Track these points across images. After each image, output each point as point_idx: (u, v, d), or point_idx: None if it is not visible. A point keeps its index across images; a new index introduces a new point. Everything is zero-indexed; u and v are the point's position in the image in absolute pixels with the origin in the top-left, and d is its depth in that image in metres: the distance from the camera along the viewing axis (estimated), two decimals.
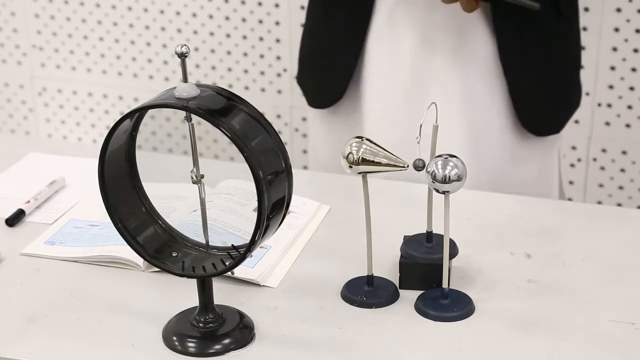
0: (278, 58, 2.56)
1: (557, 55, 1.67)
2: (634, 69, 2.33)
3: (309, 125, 1.85)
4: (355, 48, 1.66)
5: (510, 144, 1.67)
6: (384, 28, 1.63)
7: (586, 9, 2.31)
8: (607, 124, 2.39)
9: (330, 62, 1.71)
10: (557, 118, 1.71)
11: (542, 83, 1.66)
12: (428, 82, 1.64)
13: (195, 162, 1.12)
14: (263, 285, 1.27)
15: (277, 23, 2.53)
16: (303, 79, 1.80)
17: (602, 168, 2.43)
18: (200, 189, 1.14)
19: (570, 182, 2.47)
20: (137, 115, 1.10)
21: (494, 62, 1.62)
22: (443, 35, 1.61)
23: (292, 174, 1.10)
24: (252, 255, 1.11)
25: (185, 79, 1.06)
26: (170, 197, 1.45)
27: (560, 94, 1.70)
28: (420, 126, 1.16)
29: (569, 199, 2.46)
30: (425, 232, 1.27)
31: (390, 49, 1.64)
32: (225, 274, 1.14)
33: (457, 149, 1.55)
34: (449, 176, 1.13)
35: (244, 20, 2.56)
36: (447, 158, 1.14)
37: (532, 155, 1.70)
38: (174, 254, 1.17)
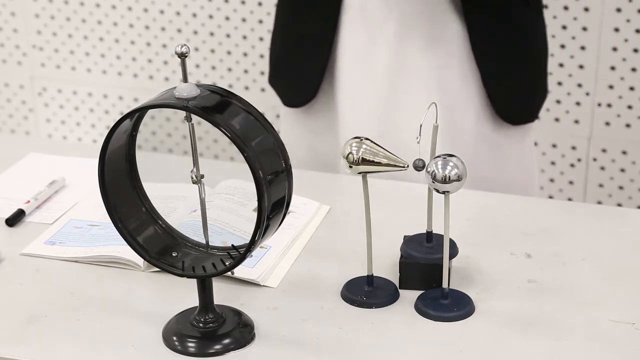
0: None
1: (525, 43, 1.67)
2: (634, 69, 2.33)
3: (280, 125, 1.83)
4: (326, 45, 1.65)
5: (486, 133, 1.68)
6: (355, 23, 1.63)
7: (586, 9, 2.31)
8: (607, 124, 2.39)
9: (302, 62, 1.70)
10: (530, 106, 1.72)
11: (512, 71, 1.67)
12: (402, 76, 1.64)
13: (195, 162, 1.12)
14: (263, 285, 1.27)
15: None
16: (275, 80, 1.79)
17: (602, 168, 2.43)
18: (200, 189, 1.14)
19: (570, 182, 2.46)
20: (137, 115, 1.10)
21: (468, 52, 1.63)
22: (416, 27, 1.61)
23: (292, 174, 1.10)
24: (252, 255, 1.11)
25: (185, 79, 1.06)
26: (170, 197, 1.45)
27: (530, 82, 1.71)
28: (420, 126, 1.16)
29: (569, 199, 2.46)
30: (425, 232, 1.27)
31: (363, 44, 1.64)
32: (225, 274, 1.14)
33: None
34: (449, 176, 1.13)
35: (244, 20, 2.56)
36: (446, 158, 1.14)
37: (509, 145, 1.71)
38: (174, 254, 1.17)
